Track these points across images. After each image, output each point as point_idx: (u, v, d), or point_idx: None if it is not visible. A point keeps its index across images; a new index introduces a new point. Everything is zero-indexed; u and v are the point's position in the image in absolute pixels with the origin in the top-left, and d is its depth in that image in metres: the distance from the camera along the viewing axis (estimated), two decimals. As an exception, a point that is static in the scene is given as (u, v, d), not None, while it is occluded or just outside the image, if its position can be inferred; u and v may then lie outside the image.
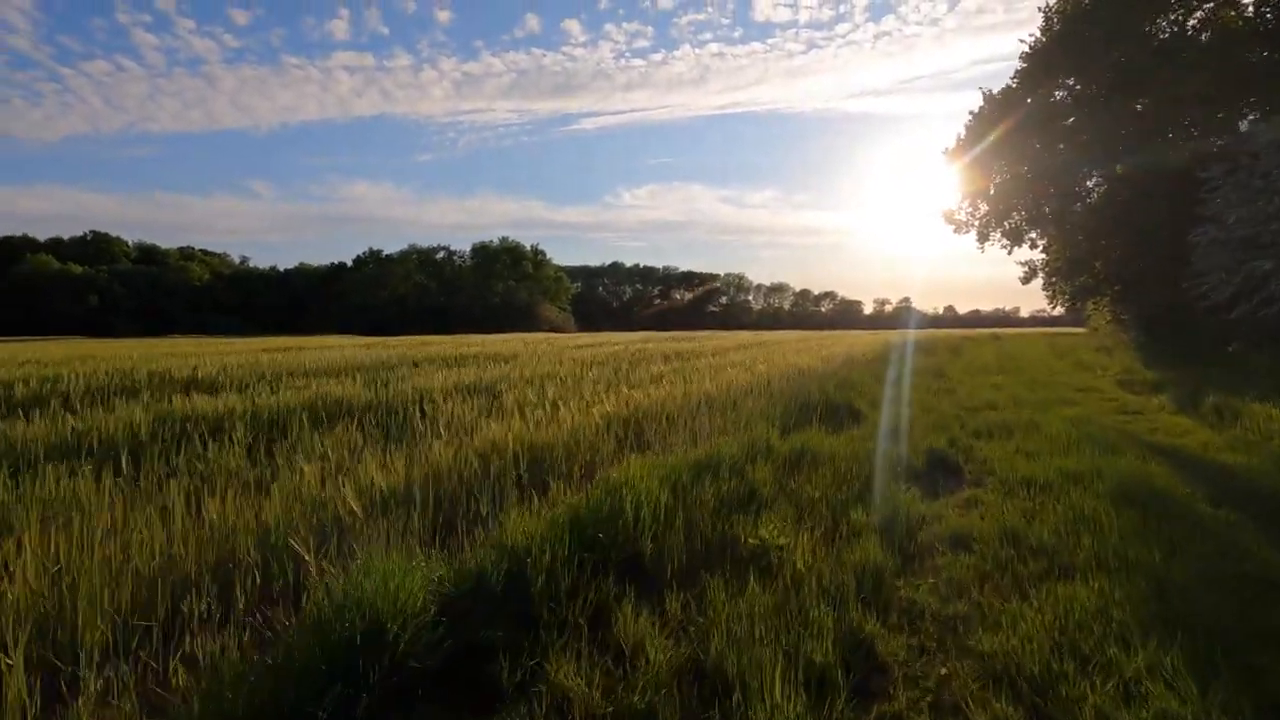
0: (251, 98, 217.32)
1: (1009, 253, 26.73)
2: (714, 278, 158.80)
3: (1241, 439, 7.39)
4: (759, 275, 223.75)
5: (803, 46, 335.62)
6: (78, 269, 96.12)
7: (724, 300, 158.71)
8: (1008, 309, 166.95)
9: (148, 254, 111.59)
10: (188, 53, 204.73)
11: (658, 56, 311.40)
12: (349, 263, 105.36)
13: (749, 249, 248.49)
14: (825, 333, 51.77)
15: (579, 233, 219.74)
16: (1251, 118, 16.92)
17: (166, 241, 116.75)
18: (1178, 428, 8.14)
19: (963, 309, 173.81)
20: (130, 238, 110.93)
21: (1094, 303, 29.86)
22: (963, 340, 35.53)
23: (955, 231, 27.92)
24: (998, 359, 21.36)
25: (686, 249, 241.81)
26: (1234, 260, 13.40)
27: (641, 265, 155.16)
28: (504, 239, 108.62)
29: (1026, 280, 28.00)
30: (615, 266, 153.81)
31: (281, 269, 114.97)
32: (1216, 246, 13.98)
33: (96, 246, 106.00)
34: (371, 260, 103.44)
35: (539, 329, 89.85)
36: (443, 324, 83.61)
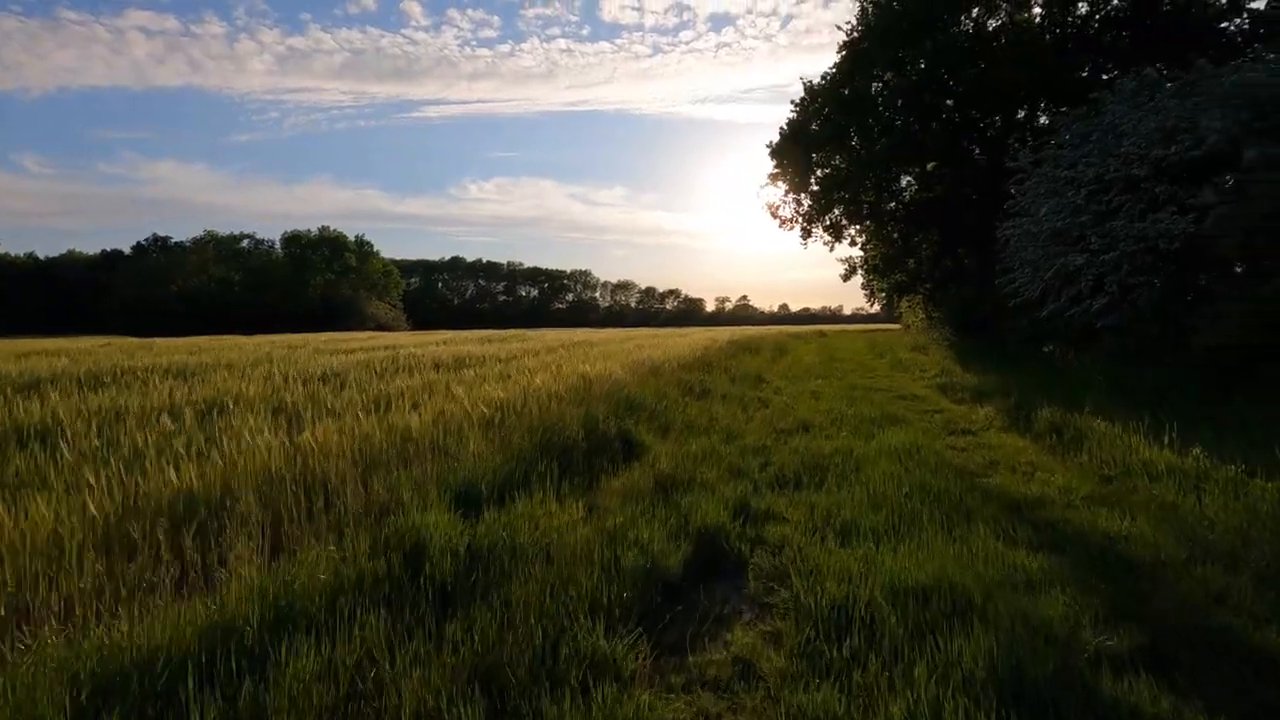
0: (17, 54, 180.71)
1: (830, 249, 26.37)
2: (560, 274, 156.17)
3: (1094, 471, 5.80)
4: (609, 273, 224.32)
5: (649, 50, 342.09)
6: None
7: (570, 297, 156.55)
8: (833, 307, 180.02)
9: None
10: None
11: (505, 48, 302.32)
12: (127, 250, 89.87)
13: (599, 247, 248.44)
14: (662, 331, 50.74)
15: (422, 225, 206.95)
16: (1051, 113, 16.91)
17: None
18: (1021, 456, 6.49)
19: (795, 307, 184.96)
20: None
21: (908, 300, 30.64)
22: (790, 339, 35.51)
23: (780, 227, 27.19)
24: (820, 359, 20.44)
25: (537, 246, 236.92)
26: (1044, 255, 12.73)
27: (485, 260, 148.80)
28: (323, 228, 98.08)
29: (846, 277, 27.92)
30: (456, 261, 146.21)
31: (43, 257, 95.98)
32: (1027, 240, 13.34)
33: None
34: (155, 248, 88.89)
35: (365, 327, 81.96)
36: (251, 323, 73.32)
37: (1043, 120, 17.92)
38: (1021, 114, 18.97)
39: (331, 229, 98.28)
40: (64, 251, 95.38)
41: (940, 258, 23.97)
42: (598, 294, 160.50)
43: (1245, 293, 7.51)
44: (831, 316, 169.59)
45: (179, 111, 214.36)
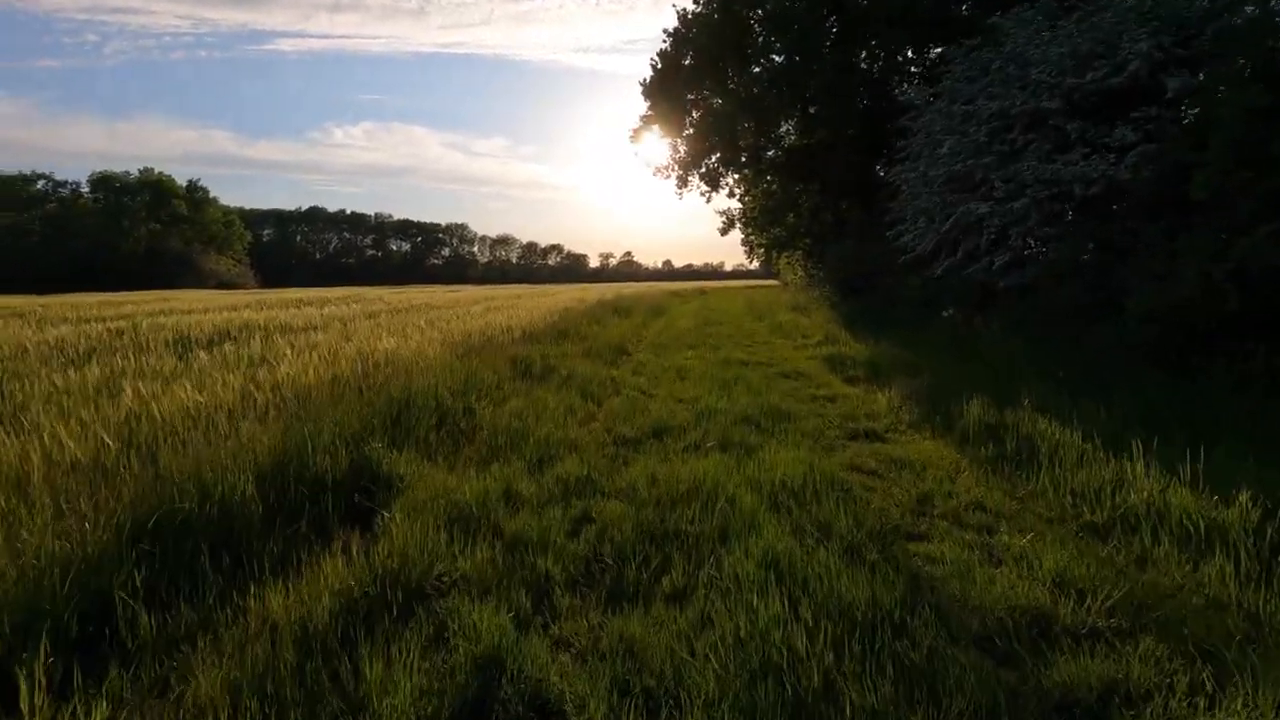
0: None
1: (708, 200, 24.26)
2: (436, 228, 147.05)
3: (1070, 515, 3.80)
4: (492, 227, 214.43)
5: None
6: None
7: (447, 253, 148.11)
8: (715, 263, 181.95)
9: None
10: None
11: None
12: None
13: (477, 200, 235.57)
14: (531, 289, 47.53)
15: (279, 172, 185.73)
16: (943, 49, 15.29)
17: None
18: (957, 484, 4.39)
19: (679, 263, 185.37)
20: None
21: (787, 257, 29.36)
22: (669, 298, 33.51)
23: (655, 175, 24.72)
24: (696, 322, 18.37)
25: (409, 197, 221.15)
26: (940, 204, 11.03)
27: (350, 211, 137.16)
28: (144, 170, 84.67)
29: (725, 231, 26.04)
30: (316, 212, 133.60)
31: None
32: (920, 186, 11.61)
33: None
34: (-84, 189, 73.08)
35: (204, 285, 72.24)
36: (44, 281, 61.90)
37: (935, 52, 16.35)
38: (909, 51, 17.36)
39: (155, 172, 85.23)
40: None
41: (820, 210, 22.49)
42: (476, 249, 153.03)
43: (1212, 247, 5.82)
44: (713, 273, 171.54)
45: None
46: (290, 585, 3.01)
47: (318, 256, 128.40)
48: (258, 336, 9.90)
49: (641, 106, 24.54)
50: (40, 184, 79.48)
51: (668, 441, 5.68)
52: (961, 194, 10.56)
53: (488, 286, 63.61)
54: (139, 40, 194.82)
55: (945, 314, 10.73)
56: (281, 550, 3.34)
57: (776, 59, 20.34)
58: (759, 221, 25.49)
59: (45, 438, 3.86)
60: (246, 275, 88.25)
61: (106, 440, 4.10)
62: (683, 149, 23.95)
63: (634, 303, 25.72)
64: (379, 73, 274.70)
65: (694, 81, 22.38)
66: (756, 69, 20.88)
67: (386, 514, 3.83)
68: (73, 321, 12.25)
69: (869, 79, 18.72)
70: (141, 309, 16.56)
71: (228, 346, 8.70)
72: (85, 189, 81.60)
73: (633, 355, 11.61)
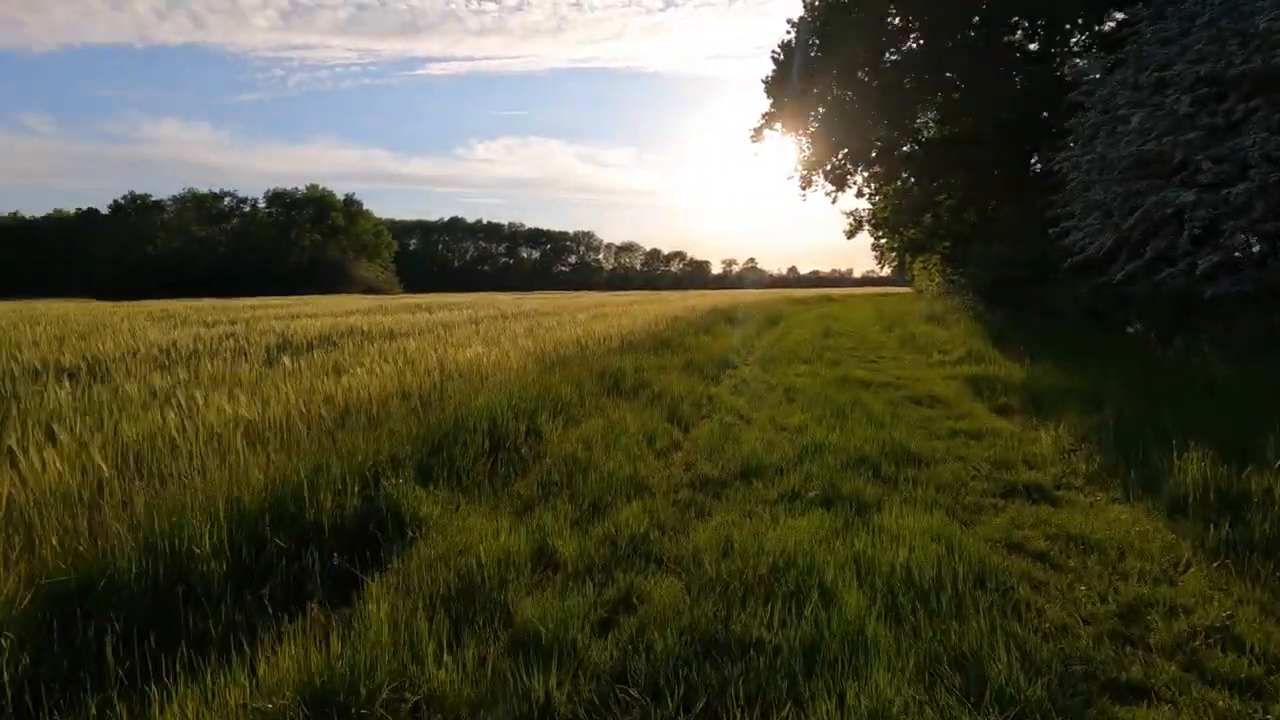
0: (17, 10, 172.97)
1: (833, 201, 22.44)
2: (563, 236, 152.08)
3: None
4: (617, 235, 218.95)
5: (661, 3, 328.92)
6: None
7: (573, 260, 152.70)
8: (843, 269, 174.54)
9: None
10: None
11: (512, 2, 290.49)
12: (105, 210, 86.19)
13: (607, 208, 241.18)
14: (652, 294, 47.18)
15: (428, 186, 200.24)
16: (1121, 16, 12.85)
17: None
18: (1189, 599, 2.92)
19: (804, 269, 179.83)
20: None
21: (922, 261, 26.75)
22: (789, 305, 31.74)
23: (778, 178, 23.21)
24: (815, 332, 16.78)
25: (544, 207, 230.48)
26: (1123, 194, 8.97)
27: (486, 221, 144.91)
28: (311, 186, 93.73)
29: (852, 234, 24.05)
30: (456, 222, 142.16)
31: (27, 216, 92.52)
32: (1096, 173, 9.55)
33: None
34: (134, 207, 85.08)
35: (354, 290, 78.64)
36: (227, 285, 69.91)
37: (1115, 19, 13.83)
38: (1079, 19, 14.85)
39: (319, 187, 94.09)
40: (49, 211, 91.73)
41: (963, 209, 20.08)
42: (601, 256, 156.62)
43: None
44: (840, 280, 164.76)
45: (181, 70, 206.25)
46: (201, 690, 2.24)
47: (456, 264, 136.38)
48: (352, 342, 9.76)
49: (764, 104, 23.19)
50: (226, 201, 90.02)
51: (757, 486, 4.54)
52: (1152, 180, 8.51)
53: (608, 293, 64.26)
54: (316, 73, 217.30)
55: (1131, 329, 8.66)
56: (222, 631, 2.60)
57: (914, 43, 18.36)
58: (891, 223, 23.28)
59: (22, 464, 3.41)
60: (392, 281, 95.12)
61: (99, 464, 3.62)
62: (806, 147, 22.33)
63: (749, 310, 24.36)
64: (518, 90, 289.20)
65: (820, 73, 20.75)
66: (891, 55, 18.98)
67: (372, 581, 3.02)
68: (204, 324, 12.96)
69: (1026, 57, 16.32)
70: (272, 312, 17.54)
71: (316, 353, 8.52)
72: (262, 204, 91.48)
73: (737, 370, 10.45)
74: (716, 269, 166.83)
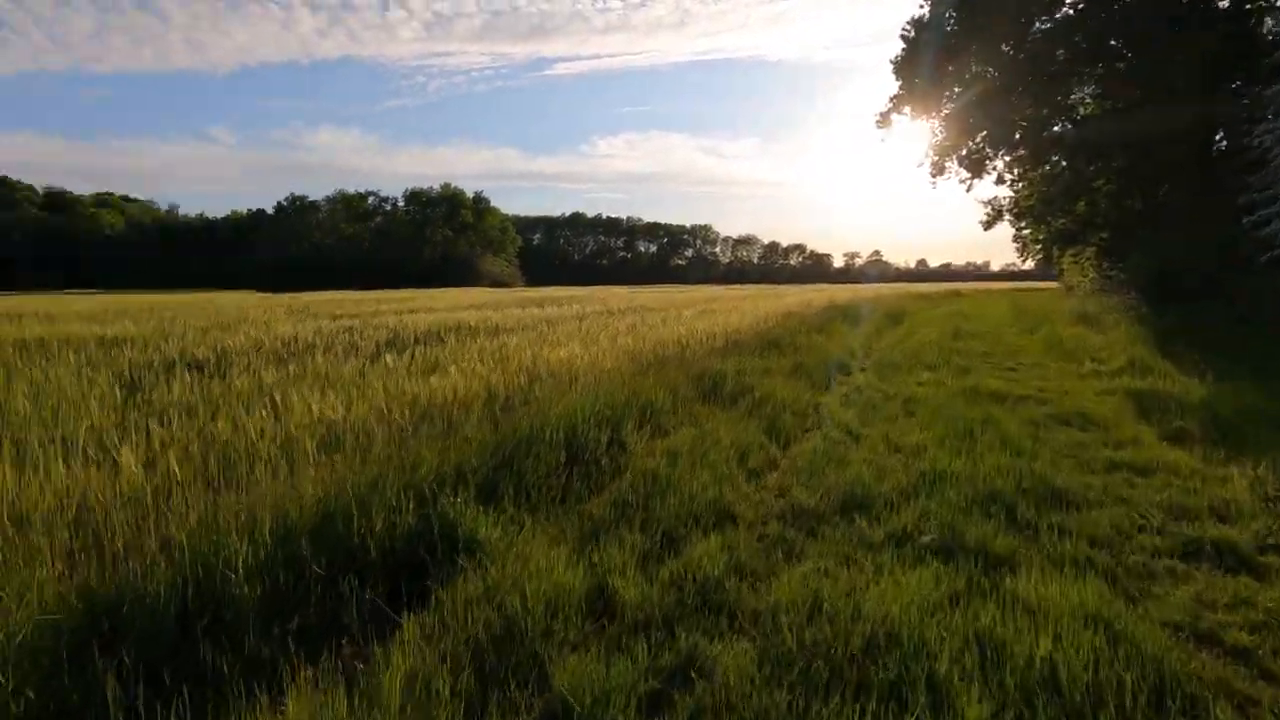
0: (207, 35, 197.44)
1: (968, 189, 20.49)
2: (680, 230, 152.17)
3: None
4: (736, 227, 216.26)
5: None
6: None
7: (690, 253, 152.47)
8: (978, 263, 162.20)
9: (55, 200, 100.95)
10: None
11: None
12: (270, 210, 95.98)
13: (728, 200, 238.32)
14: (768, 288, 45.85)
15: (552, 183, 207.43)
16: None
17: (123, 189, 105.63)
18: None
19: (935, 262, 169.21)
20: (83, 188, 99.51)
21: (1072, 254, 23.93)
22: (915, 301, 29.58)
23: (905, 165, 21.54)
24: (943, 331, 15.32)
25: (664, 200, 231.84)
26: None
27: (605, 216, 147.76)
28: (445, 185, 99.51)
29: (989, 224, 21.90)
30: (577, 217, 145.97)
31: (210, 217, 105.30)
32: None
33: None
34: (293, 207, 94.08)
35: (479, 283, 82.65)
36: (368, 279, 75.77)
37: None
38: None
39: (451, 186, 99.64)
40: (228, 212, 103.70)
41: (1124, 194, 17.63)
42: (718, 249, 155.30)
43: None
44: (975, 273, 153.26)
45: (337, 81, 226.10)
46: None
47: (576, 258, 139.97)
48: (455, 339, 9.87)
49: (892, 87, 21.55)
50: (371, 200, 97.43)
51: (860, 524, 3.89)
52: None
53: (722, 286, 63.32)
54: (453, 78, 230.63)
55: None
56: (241, 669, 2.40)
57: (1071, 9, 16.30)
58: (1035, 211, 20.94)
59: (106, 464, 3.44)
60: (515, 275, 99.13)
61: (174, 468, 3.61)
62: (939, 130, 20.52)
63: (870, 307, 22.84)
64: (641, 86, 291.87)
65: (957, 50, 18.94)
66: (1042, 24, 16.96)
67: (408, 619, 2.74)
68: (330, 317, 13.75)
69: (1210, 15, 13.95)
70: (394, 306, 18.43)
71: (419, 350, 8.64)
72: (401, 203, 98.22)
73: (851, 376, 9.59)
74: (838, 262, 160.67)
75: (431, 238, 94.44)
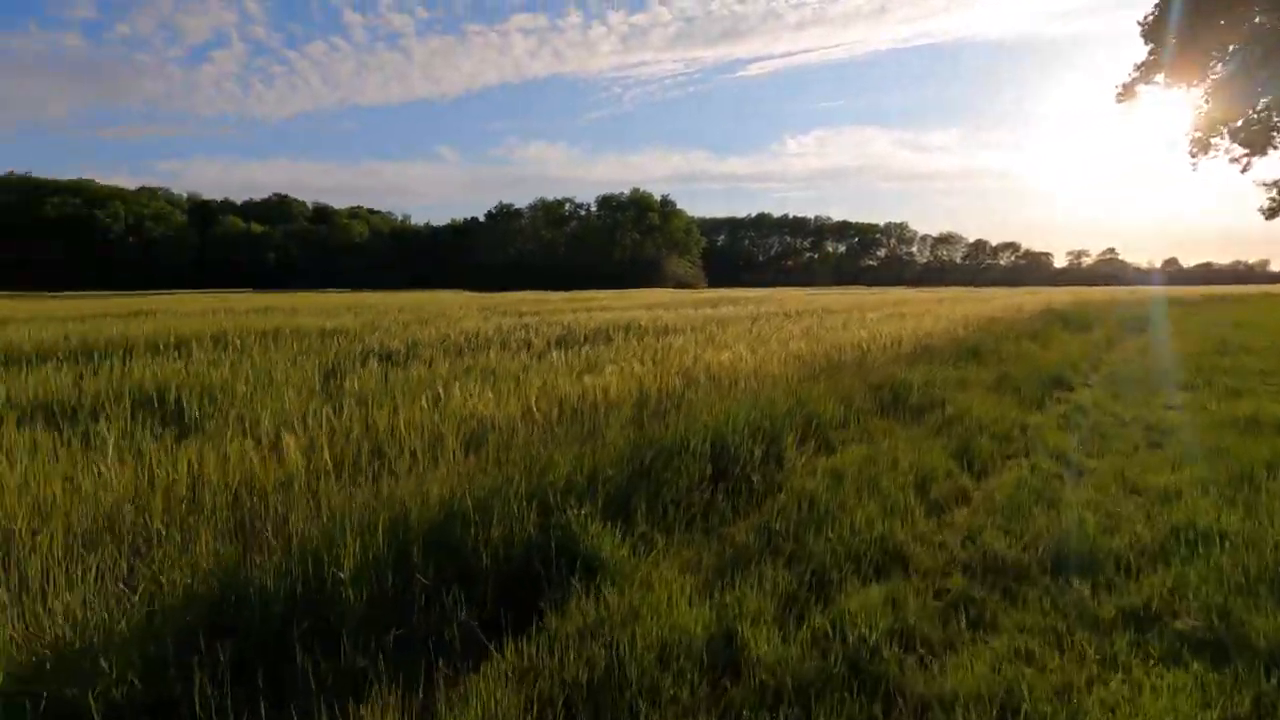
0: (440, 68, 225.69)
1: (1243, 169, 16.65)
2: (873, 229, 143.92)
3: None
4: (935, 225, 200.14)
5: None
6: (259, 228, 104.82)
7: (882, 253, 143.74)
8: (1251, 262, 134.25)
9: (321, 214, 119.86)
10: (386, 29, 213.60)
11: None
12: (481, 218, 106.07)
13: (927, 196, 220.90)
14: (971, 291, 41.57)
15: (741, 183, 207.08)
16: None
17: (377, 205, 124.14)
18: None
19: (1189, 261, 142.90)
20: (341, 204, 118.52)
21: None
22: (1163, 306, 24.85)
23: (1157, 145, 18.07)
24: (1202, 344, 12.43)
25: (855, 198, 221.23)
26: None
27: (792, 215, 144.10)
28: (634, 189, 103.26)
29: (1275, 213, 17.67)
30: (762, 218, 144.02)
31: (435, 225, 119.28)
32: None
33: (279, 208, 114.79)
34: (500, 215, 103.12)
35: (664, 285, 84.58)
36: (563, 280, 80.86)
37: None
38: None
39: (640, 190, 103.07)
40: (448, 221, 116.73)
41: None
42: (915, 249, 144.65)
43: None
44: (1247, 274, 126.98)
45: (544, 98, 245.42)
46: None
47: (760, 259, 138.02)
48: (622, 338, 9.81)
49: (1137, 55, 18.16)
50: (567, 206, 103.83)
51: (1079, 590, 2.98)
52: None
53: (916, 289, 58.57)
54: (647, 86, 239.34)
55: None
56: (331, 682, 2.26)
57: None
58: (1347, 195, 16.48)
59: (282, 445, 3.61)
60: (699, 276, 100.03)
61: (325, 459, 3.72)
62: (1204, 99, 16.91)
63: (1099, 312, 19.50)
64: (834, 80, 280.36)
65: (1227, 2, 15.46)
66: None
67: (504, 648, 2.45)
68: (515, 315, 14.50)
69: None
70: (574, 306, 19.11)
71: (586, 348, 8.66)
72: (594, 208, 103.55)
73: (1073, 393, 8.02)
74: (1060, 261, 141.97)
75: (620, 240, 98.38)
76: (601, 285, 70.24)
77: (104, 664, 2.11)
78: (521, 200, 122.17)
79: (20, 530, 2.74)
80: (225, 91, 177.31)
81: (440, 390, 5.52)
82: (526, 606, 2.82)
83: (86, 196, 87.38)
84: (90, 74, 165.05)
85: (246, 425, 4.50)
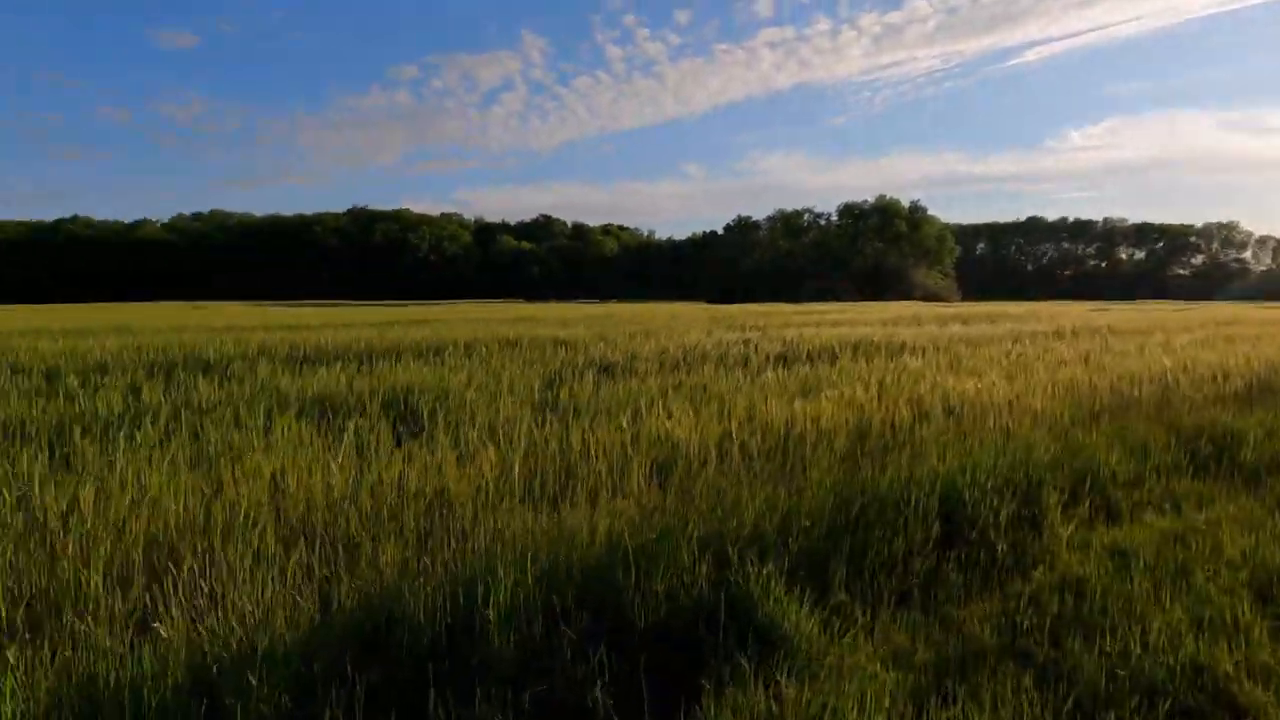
0: (689, 88, 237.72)
1: None
2: (1185, 230, 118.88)
3: None
4: (1275, 226, 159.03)
5: None
6: (527, 245, 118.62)
7: (1199, 260, 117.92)
8: None
9: (578, 231, 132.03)
10: (642, 58, 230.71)
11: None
12: (719, 231, 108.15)
13: (1267, 191, 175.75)
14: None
15: (1003, 185, 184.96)
16: None
17: (626, 222, 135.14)
18: None
19: None
20: (592, 221, 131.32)
21: None
22: None
23: None
24: None
25: (1155, 196, 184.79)
26: None
27: (1071, 219, 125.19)
28: (879, 197, 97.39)
29: None
30: (1033, 222, 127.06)
31: (676, 240, 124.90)
32: None
33: (544, 227, 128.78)
34: (738, 227, 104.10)
35: (910, 296, 78.54)
36: (800, 291, 78.93)
37: None
38: None
39: (885, 196, 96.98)
40: (688, 235, 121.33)
41: None
42: (1247, 255, 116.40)
43: None
44: None
45: (787, 108, 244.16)
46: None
47: (1029, 269, 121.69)
48: (849, 357, 8.92)
49: None
50: (806, 216, 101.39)
51: None
52: None
53: (1252, 305, 46.52)
54: (899, 87, 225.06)
55: None
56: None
57: None
58: None
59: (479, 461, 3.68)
60: (950, 288, 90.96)
61: (515, 478, 3.69)
62: None
63: None
64: (1134, 59, 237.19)
65: None
66: None
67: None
68: (739, 329, 14.14)
69: None
70: (803, 319, 18.17)
71: (805, 368, 7.99)
72: (834, 217, 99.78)
73: None
74: None
75: (863, 250, 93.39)
76: (841, 296, 67.16)
77: (265, 675, 2.15)
78: (760, 212, 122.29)
79: (242, 518, 3.03)
80: (509, 128, 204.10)
81: (642, 407, 5.35)
82: (683, 681, 2.40)
83: (403, 223, 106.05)
84: (412, 122, 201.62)
85: (459, 432, 4.73)
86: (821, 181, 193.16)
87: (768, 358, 9.19)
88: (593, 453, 4.16)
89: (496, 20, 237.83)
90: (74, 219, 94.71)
